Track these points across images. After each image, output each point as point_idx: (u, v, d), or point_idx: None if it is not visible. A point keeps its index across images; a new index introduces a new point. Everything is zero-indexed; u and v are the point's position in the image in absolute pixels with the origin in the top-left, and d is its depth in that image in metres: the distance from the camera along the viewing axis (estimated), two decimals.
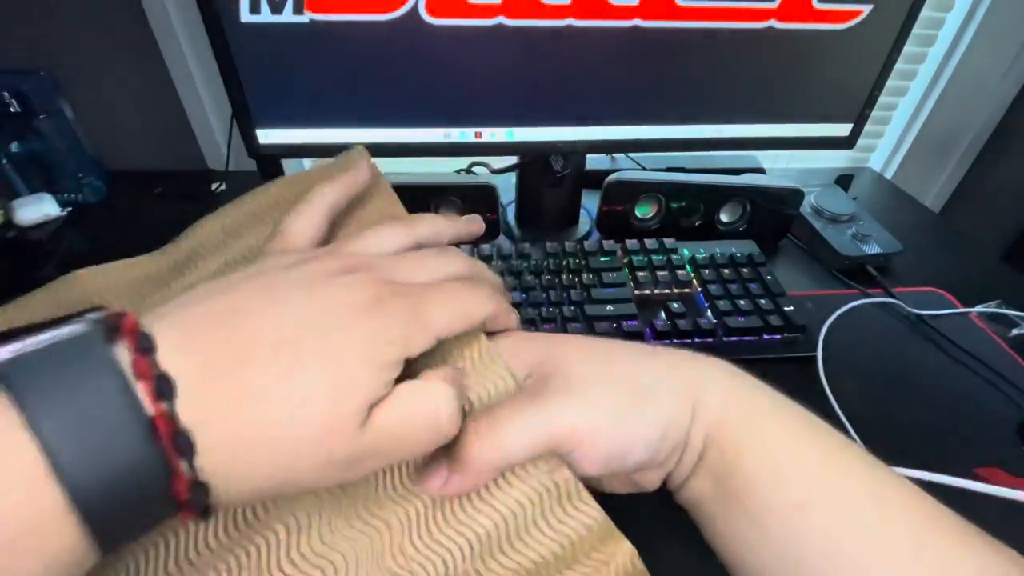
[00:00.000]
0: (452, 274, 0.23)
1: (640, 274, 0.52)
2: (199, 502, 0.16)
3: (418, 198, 0.57)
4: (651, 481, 0.26)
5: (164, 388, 0.15)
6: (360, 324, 0.18)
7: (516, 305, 0.48)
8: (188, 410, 0.15)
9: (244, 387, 0.16)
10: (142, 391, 0.15)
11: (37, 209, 0.61)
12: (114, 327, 0.15)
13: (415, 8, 0.43)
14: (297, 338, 0.17)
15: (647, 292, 0.51)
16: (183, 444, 0.15)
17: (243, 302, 0.18)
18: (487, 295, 0.23)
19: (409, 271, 0.22)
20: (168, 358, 0.15)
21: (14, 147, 0.63)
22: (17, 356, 0.14)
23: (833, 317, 0.52)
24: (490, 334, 0.25)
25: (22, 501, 0.13)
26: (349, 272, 0.20)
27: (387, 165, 0.72)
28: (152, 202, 0.67)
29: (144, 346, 0.15)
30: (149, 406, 0.15)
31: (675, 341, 0.47)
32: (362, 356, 0.18)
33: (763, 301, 0.50)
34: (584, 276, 0.51)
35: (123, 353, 0.15)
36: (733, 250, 0.55)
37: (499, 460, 0.21)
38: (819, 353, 0.47)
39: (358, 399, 0.18)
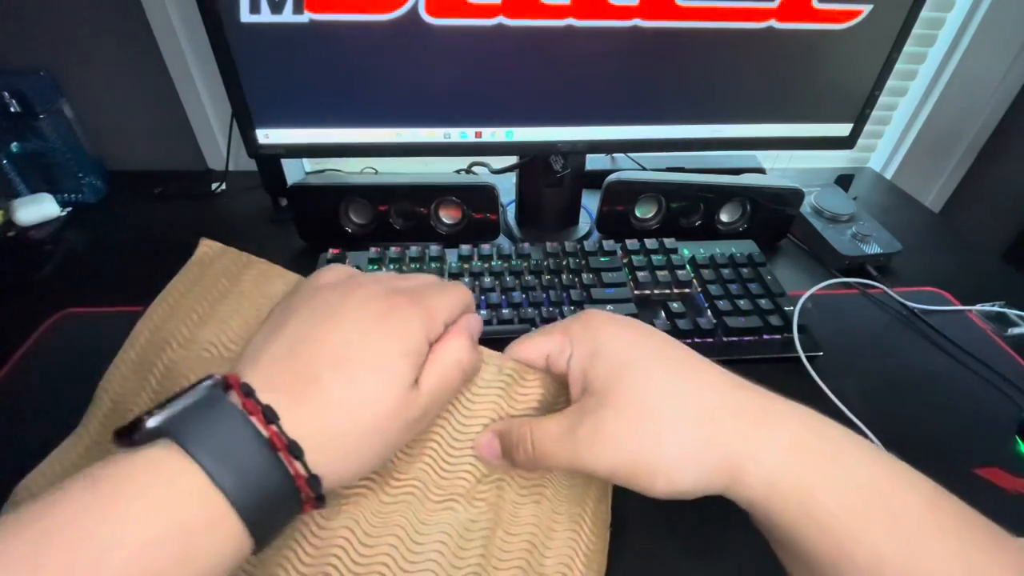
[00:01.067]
0: (431, 282, 0.29)
1: (640, 274, 0.52)
2: (315, 490, 0.21)
3: (418, 198, 0.57)
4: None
5: (270, 415, 0.21)
6: (387, 329, 0.24)
7: (516, 305, 0.48)
8: (290, 427, 0.21)
9: (322, 400, 0.22)
10: (256, 421, 0.21)
11: (37, 209, 0.61)
12: (224, 384, 0.21)
13: (415, 8, 0.43)
14: (346, 354, 0.23)
15: (647, 292, 0.51)
16: (294, 449, 0.21)
17: (298, 340, 0.24)
18: (464, 290, 0.29)
19: (403, 282, 0.28)
20: (264, 395, 0.21)
21: (14, 147, 0.63)
22: (170, 416, 0.20)
23: (833, 317, 0.52)
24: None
25: (199, 512, 0.19)
26: (365, 290, 0.26)
27: (387, 165, 0.72)
28: (152, 202, 0.67)
29: (247, 391, 0.21)
30: (263, 430, 0.21)
31: None
32: (397, 351, 0.24)
33: (763, 301, 0.50)
34: (584, 276, 0.51)
35: (235, 399, 0.21)
36: (733, 250, 0.55)
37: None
38: (819, 353, 0.47)
39: (406, 380, 0.24)
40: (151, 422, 0.20)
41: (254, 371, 0.22)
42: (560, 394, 0.30)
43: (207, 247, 0.33)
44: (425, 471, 0.29)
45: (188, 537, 0.18)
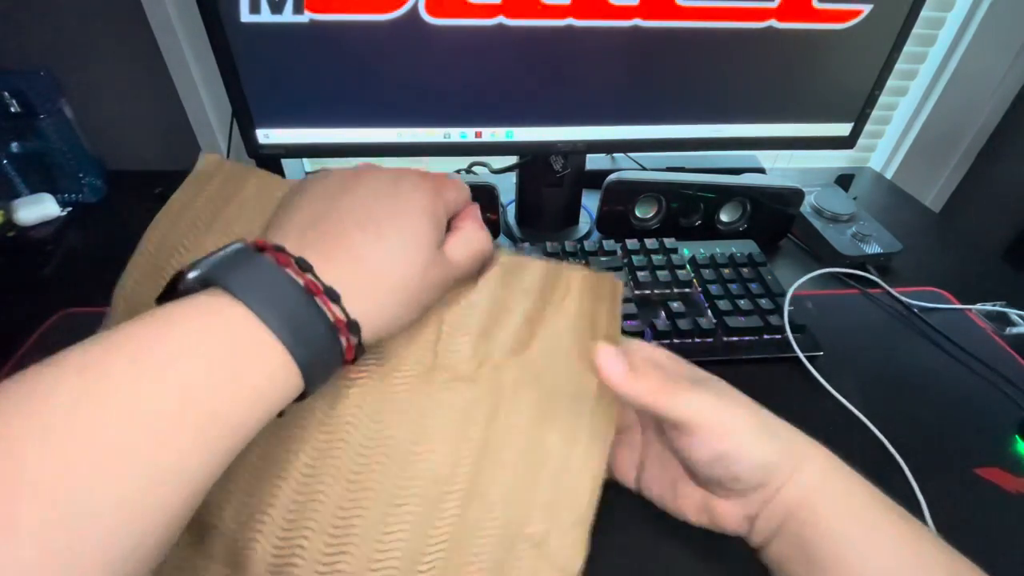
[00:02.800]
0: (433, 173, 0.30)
1: (640, 274, 0.52)
2: (355, 335, 0.23)
3: None
4: (729, 517, 0.28)
5: (304, 264, 0.22)
6: (405, 192, 0.26)
7: None
8: (324, 275, 0.22)
9: (353, 254, 0.23)
10: (291, 271, 0.21)
11: (37, 209, 0.61)
12: (256, 246, 0.22)
13: (415, 8, 0.43)
14: (370, 215, 0.24)
15: (647, 292, 0.51)
16: (331, 294, 0.22)
17: (320, 210, 0.25)
18: (463, 182, 0.31)
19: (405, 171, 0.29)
20: (295, 251, 0.22)
21: (14, 147, 0.63)
22: (209, 268, 0.21)
23: (833, 317, 0.52)
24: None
25: (251, 341, 0.20)
26: (375, 169, 0.27)
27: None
28: (152, 202, 0.66)
29: (278, 248, 0.22)
30: (298, 278, 0.21)
31: (675, 341, 0.47)
32: (418, 210, 0.25)
33: (763, 301, 0.50)
34: None
35: (268, 256, 0.22)
36: (733, 250, 0.55)
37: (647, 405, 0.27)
38: (819, 353, 0.47)
39: (430, 239, 0.25)
40: (192, 273, 0.21)
41: (282, 238, 0.23)
42: (555, 282, 0.32)
43: (207, 160, 0.34)
44: (427, 353, 0.29)
45: (241, 363, 0.19)
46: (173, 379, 0.18)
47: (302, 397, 0.22)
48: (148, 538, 0.17)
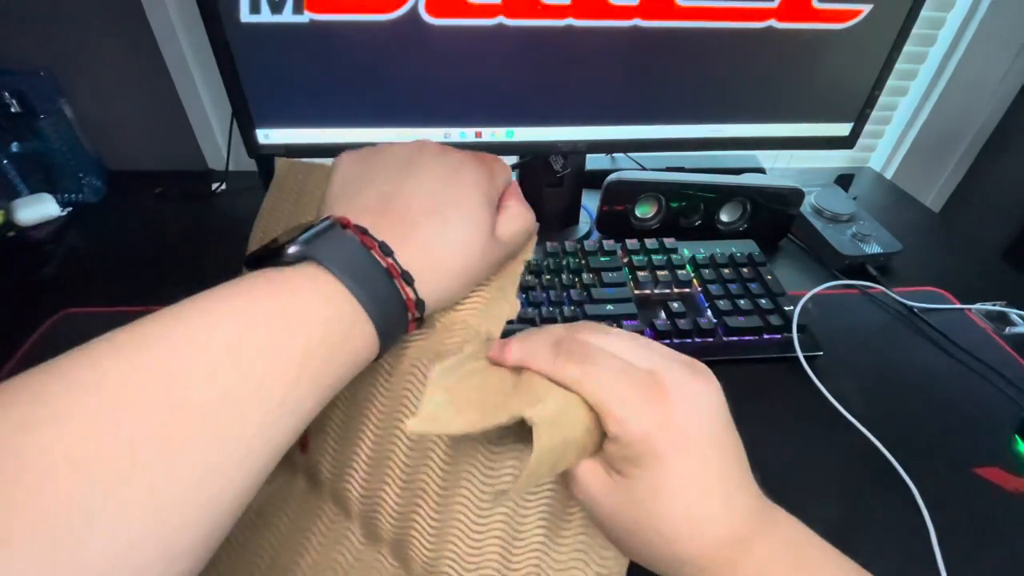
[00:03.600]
0: (480, 153, 0.31)
1: (640, 274, 0.52)
2: (420, 312, 0.25)
3: None
4: None
5: (385, 248, 0.24)
6: (466, 180, 0.27)
7: None
8: (401, 260, 0.24)
9: (423, 241, 0.25)
10: (375, 253, 0.24)
11: (37, 209, 0.61)
12: (341, 224, 0.24)
13: (415, 8, 0.43)
14: (437, 202, 0.26)
15: (647, 292, 0.51)
16: (407, 277, 0.24)
17: (388, 193, 0.26)
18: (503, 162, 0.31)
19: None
20: (376, 234, 0.24)
21: (14, 147, 0.63)
22: (306, 244, 0.23)
23: (833, 317, 0.52)
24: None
25: (345, 319, 0.22)
26: (431, 147, 0.29)
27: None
28: (152, 202, 0.67)
29: (362, 230, 0.24)
30: (381, 260, 0.24)
31: (675, 341, 0.47)
32: (478, 200, 0.27)
33: (763, 301, 0.50)
34: (584, 276, 0.51)
35: (355, 236, 0.24)
36: (733, 250, 0.55)
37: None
38: (819, 353, 0.47)
39: (488, 226, 0.27)
40: (292, 248, 0.23)
41: (357, 216, 0.25)
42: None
43: (279, 165, 0.37)
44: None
45: (334, 327, 0.22)
46: (299, 335, 0.21)
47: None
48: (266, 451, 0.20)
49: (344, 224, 0.24)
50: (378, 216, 0.25)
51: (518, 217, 0.30)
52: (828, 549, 0.24)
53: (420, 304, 0.25)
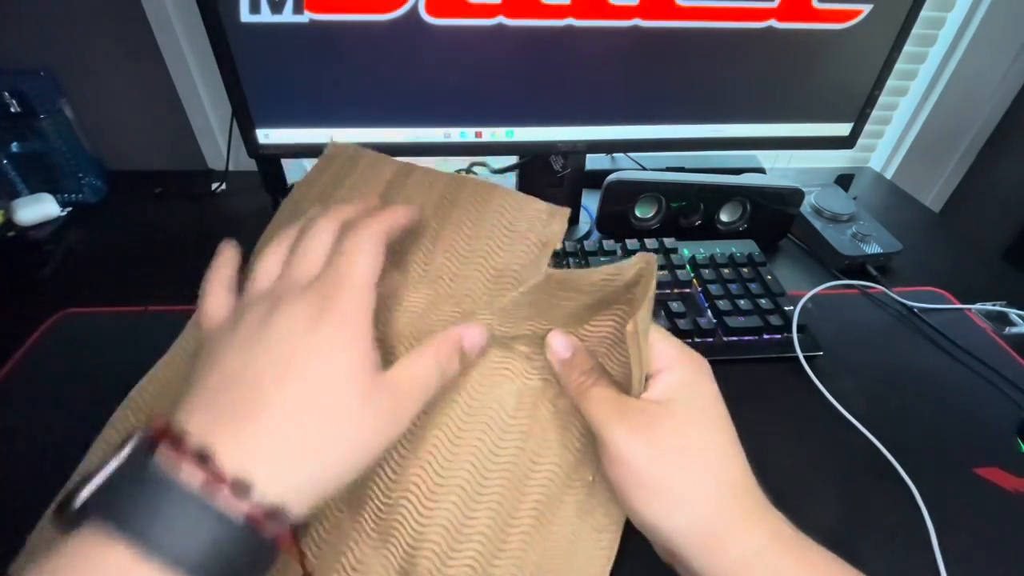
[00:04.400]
0: (341, 231, 0.27)
1: None
2: (282, 522, 0.19)
3: None
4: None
5: (202, 457, 0.18)
6: (332, 324, 0.22)
7: None
8: (234, 460, 0.19)
9: (274, 419, 0.20)
10: (186, 470, 0.18)
11: (37, 209, 0.61)
12: (153, 437, 0.19)
13: (415, 8, 0.43)
14: (290, 362, 0.21)
15: None
16: (239, 486, 0.18)
17: (239, 360, 0.22)
18: (370, 222, 0.26)
19: (314, 259, 0.25)
20: (200, 432, 0.19)
21: (14, 147, 0.63)
22: (98, 491, 0.18)
23: (833, 317, 0.52)
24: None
25: None
26: (286, 305, 0.23)
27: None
28: (152, 202, 0.67)
29: (178, 436, 0.19)
30: (194, 476, 0.18)
31: None
32: (349, 341, 0.22)
33: (763, 301, 0.50)
34: None
35: (163, 451, 0.19)
36: (733, 250, 0.55)
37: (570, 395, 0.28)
38: (819, 353, 0.47)
39: (364, 370, 0.22)
40: (77, 502, 0.18)
41: (189, 412, 0.20)
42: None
43: (331, 144, 0.38)
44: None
45: None
46: None
47: None
48: None
49: (156, 435, 0.19)
50: (213, 402, 0.20)
51: (420, 357, 0.25)
52: (825, 552, 0.25)
53: (273, 513, 0.19)
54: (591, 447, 0.29)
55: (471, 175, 0.36)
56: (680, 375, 0.27)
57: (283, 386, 0.21)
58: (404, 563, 0.26)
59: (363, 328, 0.23)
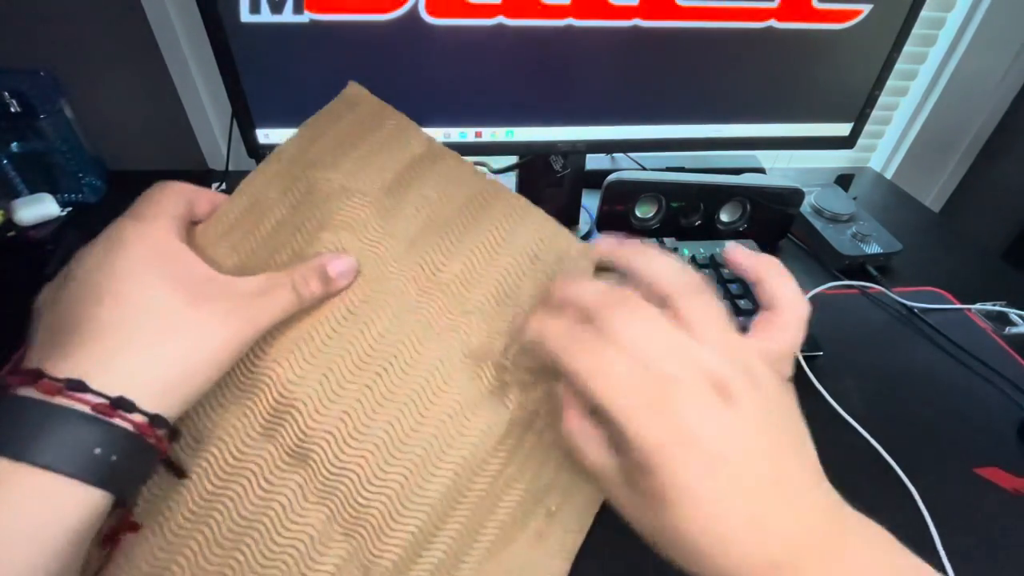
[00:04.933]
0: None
1: None
2: (163, 425, 0.21)
3: None
4: None
5: (35, 374, 0.20)
6: (120, 247, 0.23)
7: None
8: (63, 371, 0.20)
9: (93, 336, 0.21)
10: (22, 388, 0.20)
11: (37, 209, 0.61)
12: (24, 379, 0.20)
13: (415, 8, 0.43)
14: (99, 284, 0.22)
15: None
16: (74, 385, 0.20)
17: (63, 302, 0.23)
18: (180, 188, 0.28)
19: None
20: (35, 364, 0.21)
21: (14, 147, 0.63)
22: None
23: (833, 317, 0.52)
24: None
25: (67, 509, 0.19)
26: (92, 243, 0.24)
27: None
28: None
29: (36, 375, 0.20)
30: (29, 391, 0.20)
31: None
32: (144, 255, 0.23)
33: None
34: None
35: (26, 392, 0.20)
36: None
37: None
38: (819, 353, 0.47)
39: (182, 276, 0.23)
40: None
41: (39, 355, 0.21)
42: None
43: (352, 86, 0.34)
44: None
45: (64, 527, 0.19)
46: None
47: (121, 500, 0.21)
48: None
49: (7, 385, 0.20)
50: (51, 347, 0.21)
51: (274, 274, 0.26)
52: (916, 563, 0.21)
53: (157, 419, 0.21)
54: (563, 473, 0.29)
55: (499, 182, 0.34)
56: None
57: (100, 304, 0.21)
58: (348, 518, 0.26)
59: (164, 241, 0.24)
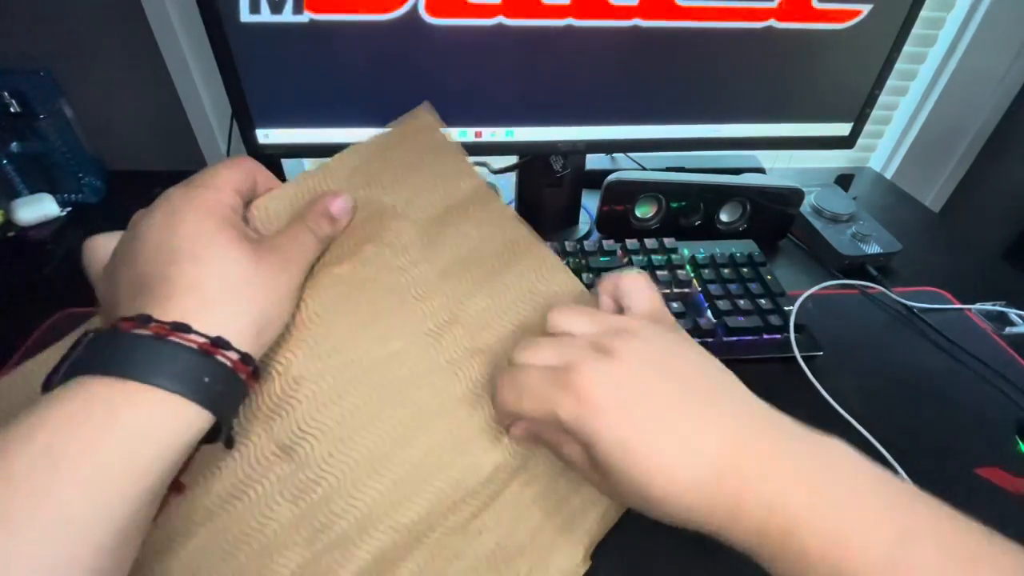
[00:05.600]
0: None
1: None
2: (251, 363, 0.24)
3: None
4: None
5: (143, 318, 0.22)
6: (184, 213, 0.26)
7: None
8: (168, 317, 0.23)
9: (194, 289, 0.24)
10: (136, 330, 0.22)
11: (37, 209, 0.61)
12: (97, 329, 0.23)
13: (415, 8, 0.43)
14: (172, 248, 0.24)
15: None
16: (181, 327, 0.22)
17: (134, 265, 0.25)
18: (238, 161, 0.31)
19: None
20: (137, 311, 0.23)
21: (14, 147, 0.63)
22: (74, 362, 0.22)
23: (833, 317, 0.52)
24: None
25: (179, 425, 0.22)
26: (149, 209, 0.28)
27: None
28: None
29: (145, 319, 0.22)
30: (143, 331, 0.22)
31: None
32: (208, 220, 0.25)
33: (763, 301, 0.50)
34: (584, 276, 0.51)
35: (110, 328, 0.22)
36: (733, 250, 0.55)
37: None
38: (819, 353, 0.47)
39: (239, 241, 0.26)
40: (60, 373, 0.22)
41: (127, 309, 0.24)
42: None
43: (425, 111, 0.35)
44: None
45: (170, 441, 0.21)
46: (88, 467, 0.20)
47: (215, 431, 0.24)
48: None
49: (121, 328, 0.22)
50: (148, 297, 0.23)
51: (292, 224, 0.29)
52: (880, 473, 0.23)
53: (247, 358, 0.24)
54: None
55: (535, 235, 0.36)
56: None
57: (179, 264, 0.24)
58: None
59: (223, 207, 0.26)
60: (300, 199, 0.31)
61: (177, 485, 0.25)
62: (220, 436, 0.24)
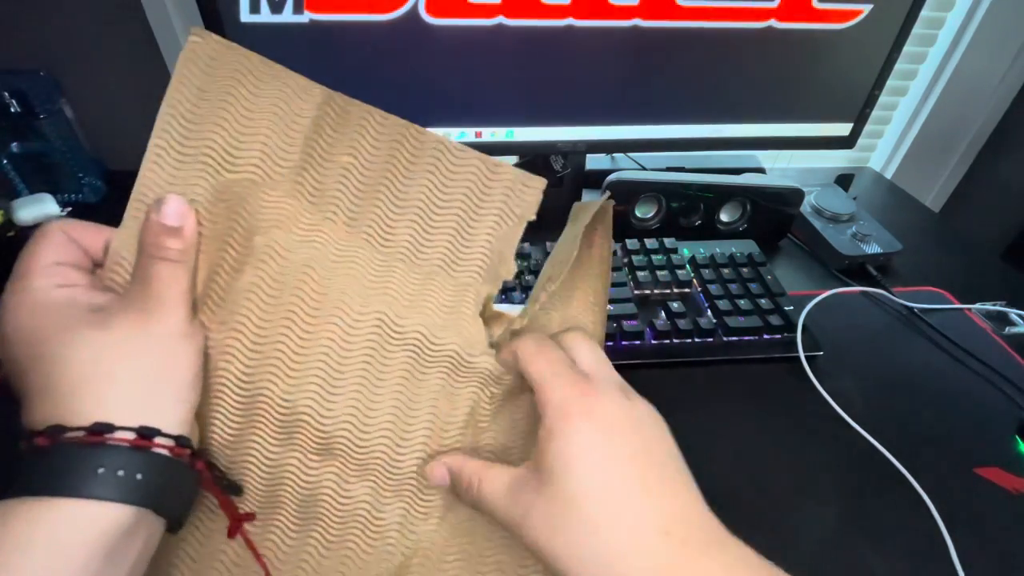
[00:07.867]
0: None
1: (640, 274, 0.52)
2: (160, 439, 0.22)
3: None
4: None
5: (56, 428, 0.21)
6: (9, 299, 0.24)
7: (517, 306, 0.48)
8: (82, 420, 0.21)
9: (78, 390, 0.22)
10: (40, 444, 0.21)
11: (37, 209, 0.61)
12: (37, 446, 0.21)
13: (415, 8, 0.43)
14: (27, 342, 0.23)
15: (647, 292, 0.51)
16: (99, 428, 0.21)
17: (18, 368, 0.23)
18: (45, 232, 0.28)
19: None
20: (47, 422, 0.21)
21: (14, 147, 0.63)
22: (47, 476, 0.20)
23: (833, 317, 0.52)
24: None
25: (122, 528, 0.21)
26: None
27: None
28: None
29: (53, 432, 0.21)
30: (68, 437, 0.21)
31: (675, 341, 0.47)
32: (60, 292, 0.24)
33: (763, 301, 0.50)
34: None
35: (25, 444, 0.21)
36: (733, 250, 0.55)
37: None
38: (819, 353, 0.47)
39: (75, 307, 0.24)
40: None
41: (31, 415, 0.22)
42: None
43: (200, 37, 0.29)
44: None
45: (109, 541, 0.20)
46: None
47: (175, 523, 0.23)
48: None
49: (38, 444, 0.21)
50: (47, 402, 0.22)
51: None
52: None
53: (145, 431, 0.22)
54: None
55: (413, 124, 0.32)
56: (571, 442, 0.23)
57: (38, 367, 0.22)
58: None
59: (43, 304, 0.23)
60: (138, 224, 0.27)
61: (246, 516, 0.26)
62: (174, 518, 0.23)
